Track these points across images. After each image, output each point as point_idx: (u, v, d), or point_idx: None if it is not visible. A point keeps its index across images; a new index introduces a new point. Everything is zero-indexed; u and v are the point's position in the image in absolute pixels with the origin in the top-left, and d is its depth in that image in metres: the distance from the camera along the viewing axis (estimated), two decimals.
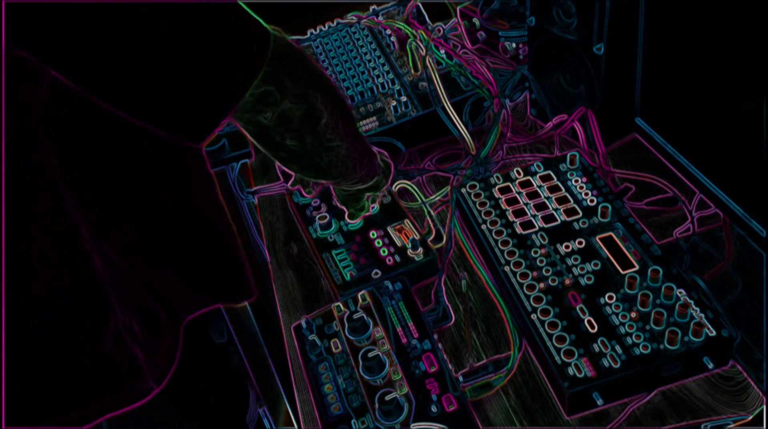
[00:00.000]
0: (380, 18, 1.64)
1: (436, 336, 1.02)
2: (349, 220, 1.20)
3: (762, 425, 0.86)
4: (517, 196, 1.18)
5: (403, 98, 1.38)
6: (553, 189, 1.17)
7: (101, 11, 0.61)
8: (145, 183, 0.85)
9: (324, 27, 1.69)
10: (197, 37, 0.67)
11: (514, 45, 1.55)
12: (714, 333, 0.92)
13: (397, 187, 1.28)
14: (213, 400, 1.14)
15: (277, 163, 1.27)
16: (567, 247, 1.07)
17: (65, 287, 0.78)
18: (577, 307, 0.98)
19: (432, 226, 1.21)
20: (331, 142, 0.88)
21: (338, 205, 1.18)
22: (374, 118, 1.38)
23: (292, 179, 1.24)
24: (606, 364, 0.91)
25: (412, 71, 1.46)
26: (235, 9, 0.71)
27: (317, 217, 1.21)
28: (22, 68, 0.67)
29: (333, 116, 0.85)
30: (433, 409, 0.92)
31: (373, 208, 1.21)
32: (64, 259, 0.77)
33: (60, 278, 0.78)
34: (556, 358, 0.93)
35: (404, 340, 1.01)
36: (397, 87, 1.41)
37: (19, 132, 0.70)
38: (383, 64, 1.50)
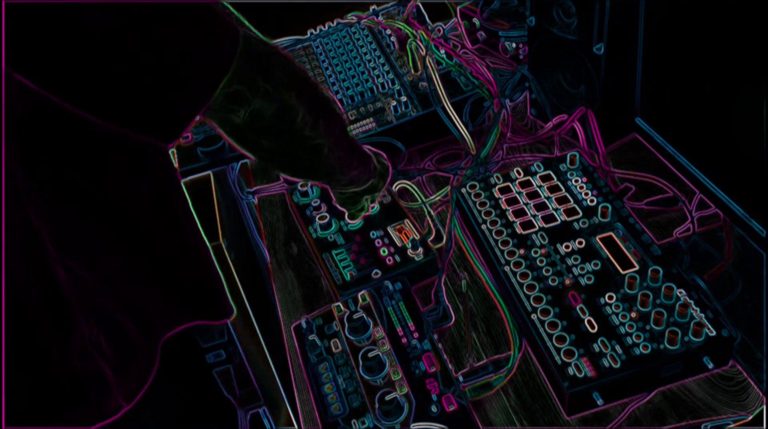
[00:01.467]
0: (380, 18, 1.64)
1: (436, 336, 1.02)
2: (349, 220, 1.20)
3: (762, 425, 0.86)
4: (517, 196, 1.18)
5: (403, 98, 1.38)
6: (553, 189, 1.17)
7: (65, 12, 0.61)
8: (114, 193, 0.83)
9: (324, 27, 1.69)
10: (164, 37, 0.67)
11: (514, 45, 1.55)
12: (714, 333, 0.92)
13: (397, 187, 1.28)
14: (196, 418, 1.12)
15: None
16: (567, 247, 1.07)
17: (33, 296, 0.77)
18: (577, 307, 0.98)
19: (432, 226, 1.21)
20: (312, 140, 0.86)
21: (338, 206, 1.18)
22: (374, 118, 1.38)
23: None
24: (606, 364, 0.91)
25: (412, 71, 1.46)
26: (203, 10, 0.70)
27: (317, 217, 1.21)
28: None
29: (311, 114, 0.84)
30: (433, 409, 0.92)
31: (372, 208, 1.21)
32: (30, 268, 0.76)
33: (27, 286, 0.76)
34: (556, 358, 0.93)
35: (404, 340, 1.01)
36: (397, 87, 1.41)
37: None
38: (383, 64, 1.50)
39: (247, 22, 0.78)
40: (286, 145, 0.85)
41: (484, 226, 1.14)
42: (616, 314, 0.96)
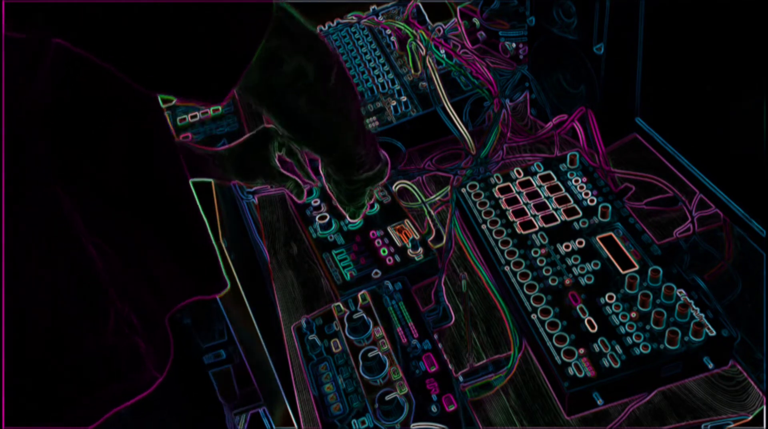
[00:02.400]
0: (380, 18, 1.64)
1: (436, 336, 1.02)
2: (349, 220, 1.20)
3: (762, 425, 0.86)
4: (517, 196, 1.18)
5: (403, 98, 1.38)
6: (553, 189, 1.17)
7: None
8: (128, 176, 0.86)
9: (324, 27, 1.69)
10: None
11: (514, 45, 1.55)
12: (714, 333, 0.92)
13: (397, 187, 1.28)
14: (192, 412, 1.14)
15: (278, 157, 1.26)
16: (567, 247, 1.07)
17: (63, 282, 0.78)
18: (577, 307, 0.98)
19: (432, 226, 1.21)
20: (343, 102, 0.87)
21: (337, 206, 1.18)
22: (374, 118, 1.38)
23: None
24: (606, 364, 0.91)
25: (412, 71, 1.46)
26: None
27: (317, 217, 1.21)
28: (17, 59, 0.66)
29: (341, 79, 0.85)
30: (433, 409, 0.92)
31: (372, 206, 1.21)
32: (61, 253, 0.78)
33: (57, 274, 0.78)
34: (556, 358, 0.93)
35: (404, 340, 1.01)
36: (397, 87, 1.41)
37: (16, 126, 0.70)
38: (383, 64, 1.50)
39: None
40: (320, 108, 0.85)
41: (484, 226, 1.14)
42: (616, 314, 0.96)
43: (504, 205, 1.16)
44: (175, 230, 0.97)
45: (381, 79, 1.44)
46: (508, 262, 1.07)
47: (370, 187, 1.12)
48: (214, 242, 1.06)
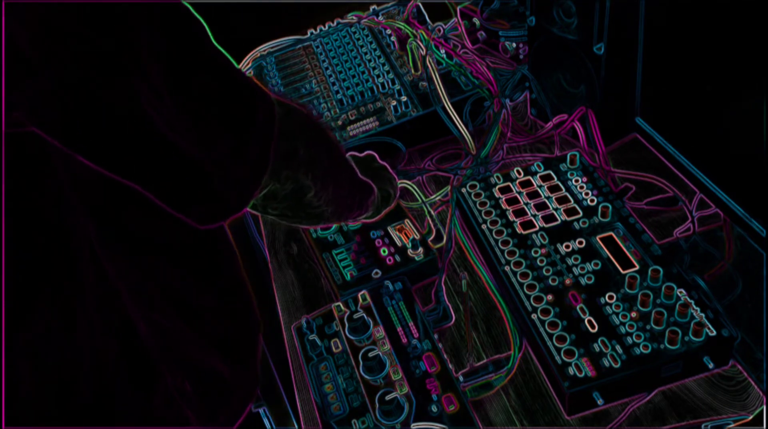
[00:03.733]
0: (380, 18, 1.64)
1: (436, 336, 1.02)
2: None
3: (762, 425, 0.86)
4: (518, 195, 1.18)
5: (404, 98, 1.38)
6: (554, 189, 1.17)
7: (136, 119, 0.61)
8: (181, 238, 0.82)
9: (324, 27, 1.69)
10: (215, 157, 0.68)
11: (514, 45, 1.55)
12: (714, 333, 0.92)
13: (398, 187, 1.28)
14: None
15: None
16: (567, 246, 1.07)
17: (112, 354, 0.76)
18: (578, 307, 0.98)
19: (432, 225, 1.21)
20: (317, 208, 0.88)
21: None
22: (374, 118, 1.38)
23: None
24: (606, 363, 0.91)
25: (413, 71, 1.46)
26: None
27: None
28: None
29: (323, 187, 0.85)
30: (433, 409, 0.92)
31: None
32: (110, 325, 0.75)
33: (107, 345, 0.75)
34: (557, 357, 0.93)
35: (404, 340, 1.01)
36: (397, 87, 1.41)
37: (52, 197, 0.68)
38: (383, 64, 1.50)
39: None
40: (290, 212, 0.87)
41: (484, 226, 1.14)
42: (617, 314, 0.96)
43: (504, 205, 1.16)
44: (226, 276, 0.93)
45: (381, 79, 1.44)
46: (508, 262, 1.07)
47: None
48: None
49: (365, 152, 1.12)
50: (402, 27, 1.53)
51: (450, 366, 0.98)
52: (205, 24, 0.70)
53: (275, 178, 0.77)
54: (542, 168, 1.22)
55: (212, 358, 0.87)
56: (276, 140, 0.73)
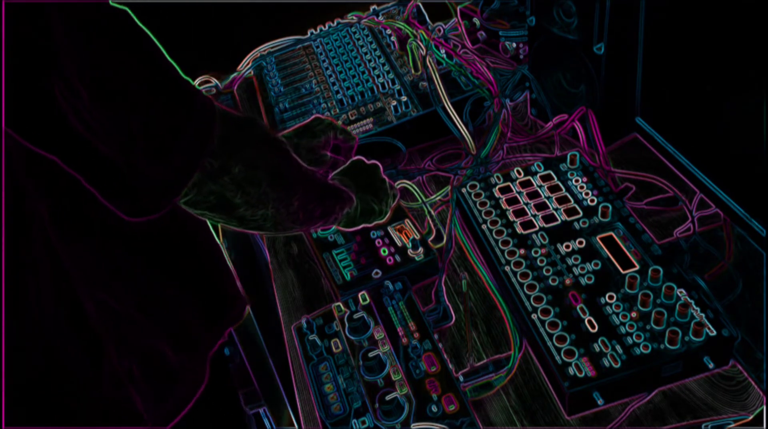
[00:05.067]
0: (380, 18, 1.64)
1: (436, 336, 1.02)
2: None
3: (762, 425, 0.86)
4: (518, 195, 1.18)
5: (404, 98, 1.38)
6: (554, 189, 1.17)
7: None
8: (135, 227, 0.81)
9: (324, 27, 1.69)
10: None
11: (514, 45, 1.55)
12: (714, 333, 0.92)
13: (398, 187, 1.28)
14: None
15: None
16: (567, 246, 1.07)
17: (61, 330, 0.77)
18: (578, 307, 0.98)
19: (432, 225, 1.21)
20: (251, 223, 0.86)
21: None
22: (374, 118, 1.38)
23: None
24: (606, 363, 0.91)
25: (413, 71, 1.46)
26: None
27: None
28: None
29: (259, 204, 0.84)
30: (433, 409, 0.92)
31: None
32: (59, 303, 0.77)
33: (56, 321, 0.77)
34: (557, 357, 0.93)
35: (404, 340, 1.01)
36: (397, 87, 1.41)
37: (9, 181, 0.69)
38: (383, 64, 1.50)
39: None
40: (221, 220, 0.86)
41: (484, 226, 1.14)
42: (617, 314, 0.96)
43: (504, 205, 1.16)
44: (197, 269, 0.94)
45: (381, 79, 1.44)
46: (508, 262, 1.07)
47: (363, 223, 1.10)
48: (228, 261, 1.04)
49: (371, 161, 1.12)
50: (402, 27, 1.53)
51: (450, 366, 0.98)
52: (148, 32, 0.71)
53: (196, 190, 0.76)
54: (542, 168, 1.22)
55: (160, 343, 0.87)
56: (206, 156, 0.73)
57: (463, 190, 1.21)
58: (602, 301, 0.99)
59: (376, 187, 1.09)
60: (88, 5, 0.65)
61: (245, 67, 1.68)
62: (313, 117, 1.19)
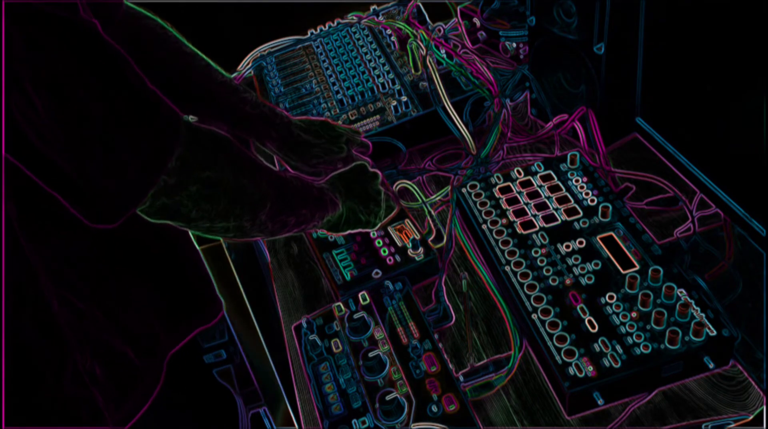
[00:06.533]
0: (380, 18, 1.64)
1: (436, 336, 1.02)
2: None
3: (762, 425, 0.86)
4: (518, 195, 1.18)
5: (404, 98, 1.38)
6: (554, 189, 1.17)
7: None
8: (105, 231, 0.81)
9: (324, 27, 1.69)
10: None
11: (514, 45, 1.55)
12: (715, 333, 0.92)
13: (398, 187, 1.28)
14: (201, 418, 1.14)
15: (276, 158, 1.27)
16: (567, 246, 1.07)
17: (26, 328, 0.78)
18: (578, 307, 0.98)
19: (432, 225, 1.21)
20: (210, 231, 0.86)
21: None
22: (375, 117, 1.38)
23: None
24: (607, 363, 0.91)
25: (413, 71, 1.46)
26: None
27: None
28: None
29: (218, 218, 0.83)
30: (434, 409, 0.92)
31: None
32: (24, 300, 0.77)
33: (21, 318, 0.77)
34: (557, 357, 0.93)
35: (404, 340, 1.01)
36: (397, 87, 1.41)
37: None
38: (383, 64, 1.50)
39: None
40: (180, 226, 0.85)
41: (484, 226, 1.14)
42: (617, 314, 0.96)
43: (504, 205, 1.16)
44: (164, 271, 0.94)
45: (381, 79, 1.44)
46: (508, 262, 1.07)
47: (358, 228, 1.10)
48: (206, 265, 1.05)
49: (373, 169, 1.12)
50: (402, 27, 1.53)
51: (450, 366, 0.98)
52: (119, 48, 0.71)
53: (149, 202, 0.75)
54: (542, 168, 1.22)
55: (121, 343, 0.88)
56: (162, 174, 0.73)
57: (463, 190, 1.21)
58: (602, 301, 0.99)
59: (368, 197, 1.09)
60: (52, 17, 0.65)
61: (245, 67, 1.68)
62: (325, 119, 1.20)
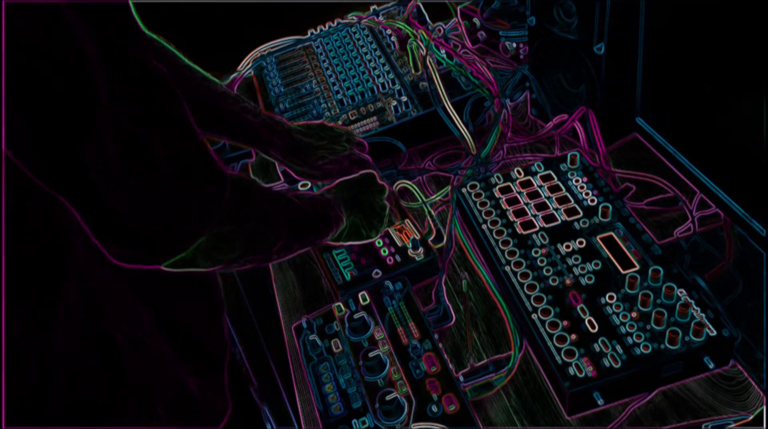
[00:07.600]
0: (380, 18, 1.64)
1: (436, 336, 1.02)
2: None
3: (762, 425, 0.86)
4: (518, 195, 1.18)
5: (404, 98, 1.38)
6: (554, 189, 1.17)
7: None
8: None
9: (324, 27, 1.69)
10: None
11: (514, 45, 1.54)
12: (715, 333, 0.92)
13: (398, 187, 1.28)
14: None
15: (278, 165, 1.27)
16: (567, 246, 1.07)
17: (89, 365, 0.78)
18: (578, 307, 0.98)
19: (432, 225, 1.21)
20: (217, 264, 0.86)
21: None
22: (375, 118, 1.38)
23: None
24: (607, 363, 0.91)
25: (413, 71, 1.46)
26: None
27: None
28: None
29: (242, 256, 0.84)
30: (434, 409, 0.92)
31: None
32: (88, 337, 0.77)
33: (84, 356, 0.77)
34: (557, 358, 0.93)
35: (405, 340, 1.01)
36: (397, 87, 1.41)
37: (47, 217, 0.70)
38: (384, 64, 1.50)
39: None
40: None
41: (484, 226, 1.14)
42: (617, 314, 0.96)
43: (504, 205, 1.16)
44: (211, 300, 0.95)
45: (381, 79, 1.44)
46: (508, 262, 1.07)
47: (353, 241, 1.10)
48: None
49: (382, 182, 1.11)
50: (402, 27, 1.53)
51: (450, 366, 0.98)
52: (180, 95, 0.70)
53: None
54: (542, 168, 1.22)
55: (185, 375, 0.87)
56: (213, 222, 0.73)
57: (463, 190, 1.21)
58: (602, 301, 0.99)
59: (373, 213, 1.09)
60: (133, 61, 0.64)
61: (245, 67, 1.68)
62: (322, 122, 1.20)
